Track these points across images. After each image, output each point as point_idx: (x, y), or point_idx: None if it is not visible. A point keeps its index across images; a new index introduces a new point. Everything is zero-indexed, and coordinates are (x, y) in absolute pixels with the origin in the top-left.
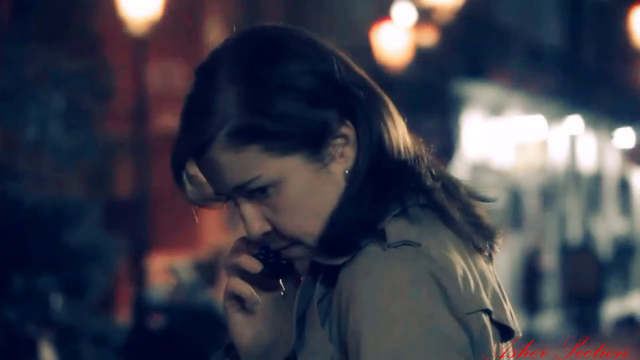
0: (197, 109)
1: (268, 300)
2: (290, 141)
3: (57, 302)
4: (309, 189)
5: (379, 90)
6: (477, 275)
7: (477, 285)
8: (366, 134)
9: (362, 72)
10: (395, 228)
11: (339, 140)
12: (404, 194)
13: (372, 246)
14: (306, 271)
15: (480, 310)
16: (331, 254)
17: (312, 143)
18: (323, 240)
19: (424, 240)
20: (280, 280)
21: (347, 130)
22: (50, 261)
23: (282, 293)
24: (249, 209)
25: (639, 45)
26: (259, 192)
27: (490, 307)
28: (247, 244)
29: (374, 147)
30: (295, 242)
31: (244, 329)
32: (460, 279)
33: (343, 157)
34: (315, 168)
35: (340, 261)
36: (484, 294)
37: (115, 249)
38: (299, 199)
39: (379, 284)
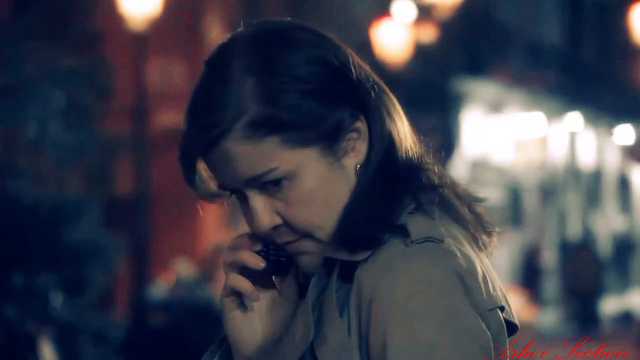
0: (210, 101)
1: (265, 298)
2: (307, 133)
3: (57, 300)
4: (323, 182)
5: (385, 87)
6: (488, 272)
7: (491, 282)
8: (378, 130)
9: (368, 68)
10: (416, 224)
11: (353, 135)
12: (415, 190)
13: (394, 242)
14: (314, 265)
15: (497, 307)
16: (352, 250)
17: (328, 136)
18: (342, 236)
19: (445, 237)
20: (274, 278)
21: (361, 124)
22: (50, 259)
23: (277, 291)
24: (261, 202)
25: (639, 43)
26: (272, 185)
27: (504, 304)
28: (249, 240)
29: (385, 143)
30: (306, 235)
31: (241, 326)
32: (480, 276)
33: (355, 151)
34: (329, 161)
35: (361, 257)
36: (497, 291)
37: (115, 247)
38: (312, 192)
39: (403, 280)
